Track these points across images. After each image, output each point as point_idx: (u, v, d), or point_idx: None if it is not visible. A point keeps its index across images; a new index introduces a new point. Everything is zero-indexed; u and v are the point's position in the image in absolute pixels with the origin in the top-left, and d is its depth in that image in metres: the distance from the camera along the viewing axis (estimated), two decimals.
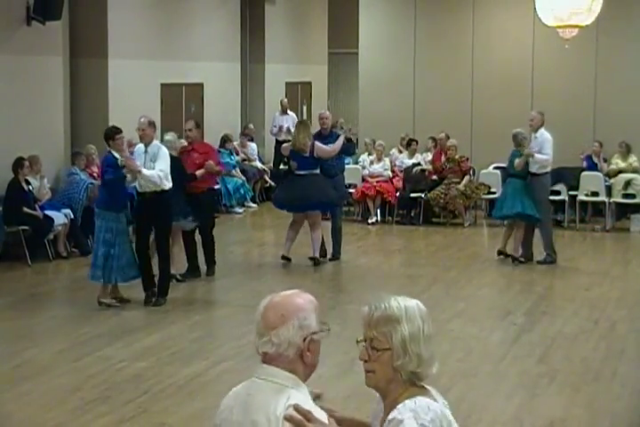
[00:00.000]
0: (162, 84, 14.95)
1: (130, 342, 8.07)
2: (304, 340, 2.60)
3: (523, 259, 11.34)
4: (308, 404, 2.54)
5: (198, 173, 10.31)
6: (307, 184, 10.95)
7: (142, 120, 9.21)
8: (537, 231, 11.46)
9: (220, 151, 15.84)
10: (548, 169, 11.40)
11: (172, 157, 9.50)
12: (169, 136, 10.59)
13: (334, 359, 7.62)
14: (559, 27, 12.52)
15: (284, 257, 11.26)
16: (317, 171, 11.10)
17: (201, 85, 16.13)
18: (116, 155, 9.08)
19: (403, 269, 11.48)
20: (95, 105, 13.65)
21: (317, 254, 11.26)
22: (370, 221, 14.67)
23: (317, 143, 11.07)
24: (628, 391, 6.85)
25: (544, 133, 11.38)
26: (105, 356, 7.62)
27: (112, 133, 9.24)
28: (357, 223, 14.78)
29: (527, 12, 14.65)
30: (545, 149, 11.25)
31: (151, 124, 9.23)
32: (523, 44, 15.65)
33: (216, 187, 11.07)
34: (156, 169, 9.03)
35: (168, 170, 9.11)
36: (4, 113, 11.94)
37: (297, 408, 2.45)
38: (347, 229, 14.31)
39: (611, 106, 15.19)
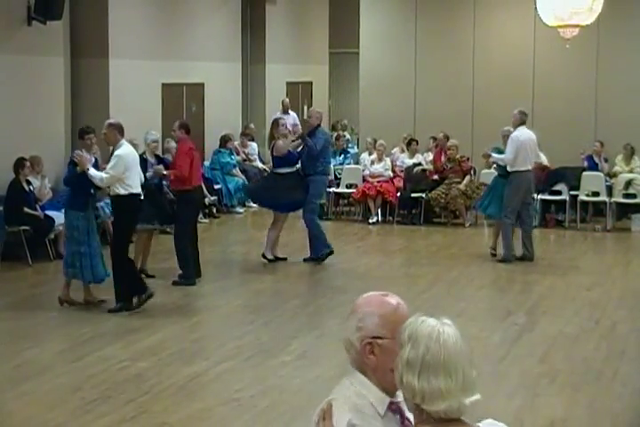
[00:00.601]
0: (163, 84, 14.95)
1: (130, 342, 8.07)
2: (361, 342, 2.50)
3: (494, 252, 11.63)
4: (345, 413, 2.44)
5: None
6: (281, 184, 11.21)
7: (105, 123, 9.21)
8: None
9: (220, 151, 15.87)
10: (523, 168, 11.31)
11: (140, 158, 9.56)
12: (149, 135, 10.84)
13: (335, 360, 7.62)
14: (560, 26, 12.51)
15: (276, 258, 11.35)
16: (292, 169, 11.27)
17: (202, 85, 16.12)
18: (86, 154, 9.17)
19: (403, 269, 11.47)
20: (96, 105, 13.65)
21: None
22: (370, 220, 14.67)
23: (278, 141, 11.29)
24: (629, 391, 6.85)
25: (514, 133, 11.44)
26: (105, 356, 7.62)
27: (81, 133, 9.36)
28: (358, 223, 14.78)
29: (528, 12, 14.65)
30: (507, 148, 11.36)
31: (111, 125, 9.04)
32: (523, 44, 15.65)
33: (187, 188, 10.18)
34: (103, 171, 8.96)
35: (118, 174, 8.80)
36: (5, 113, 11.94)
37: (328, 406, 2.38)
38: (347, 229, 14.33)
39: (612, 106, 15.18)
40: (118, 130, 9.00)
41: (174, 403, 6.50)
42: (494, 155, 11.62)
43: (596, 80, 15.37)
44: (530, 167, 11.45)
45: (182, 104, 15.72)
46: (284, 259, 11.44)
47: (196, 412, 6.35)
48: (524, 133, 11.42)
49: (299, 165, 11.51)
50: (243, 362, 7.44)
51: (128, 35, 14.01)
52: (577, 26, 12.39)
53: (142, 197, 9.17)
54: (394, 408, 2.51)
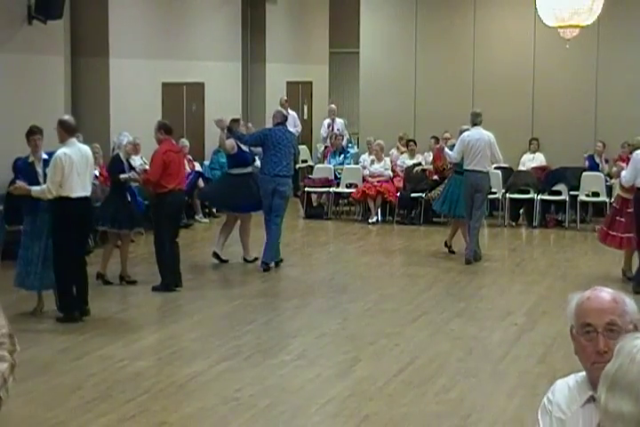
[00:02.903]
0: (163, 84, 14.95)
1: (130, 341, 8.08)
2: (570, 329, 2.57)
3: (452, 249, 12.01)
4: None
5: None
6: (233, 184, 11.34)
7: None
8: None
9: (219, 151, 15.85)
10: (470, 168, 11.40)
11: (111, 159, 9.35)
12: (122, 136, 10.52)
13: (334, 359, 7.63)
14: (560, 27, 12.52)
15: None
16: (245, 170, 11.37)
17: (202, 85, 16.13)
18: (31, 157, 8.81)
19: (403, 269, 11.48)
20: (96, 104, 13.66)
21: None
22: (370, 220, 14.67)
23: (226, 140, 11.40)
24: None
25: (465, 133, 11.59)
26: (106, 355, 7.63)
27: (26, 133, 8.91)
28: (358, 223, 14.79)
29: (528, 12, 14.65)
30: (455, 147, 11.60)
31: (59, 123, 8.60)
32: (524, 44, 15.66)
33: (162, 191, 9.75)
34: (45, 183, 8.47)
35: (56, 178, 8.32)
36: (5, 112, 11.93)
37: None
38: (347, 229, 14.34)
39: (612, 106, 15.19)
40: (64, 128, 8.57)
41: (174, 402, 6.51)
42: (446, 150, 11.84)
43: (596, 80, 15.38)
44: (479, 168, 11.41)
45: (182, 104, 15.72)
46: (227, 261, 11.36)
47: (196, 411, 6.36)
48: (474, 134, 11.45)
49: (257, 164, 11.51)
50: (242, 361, 7.44)
51: (128, 34, 14.02)
52: (577, 26, 12.40)
53: (88, 200, 8.64)
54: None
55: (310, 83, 20.17)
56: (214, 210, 15.21)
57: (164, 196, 9.81)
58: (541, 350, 7.94)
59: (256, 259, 11.32)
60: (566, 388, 2.61)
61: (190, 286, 10.14)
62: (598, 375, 2.24)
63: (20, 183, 8.73)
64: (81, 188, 8.52)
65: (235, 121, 11.67)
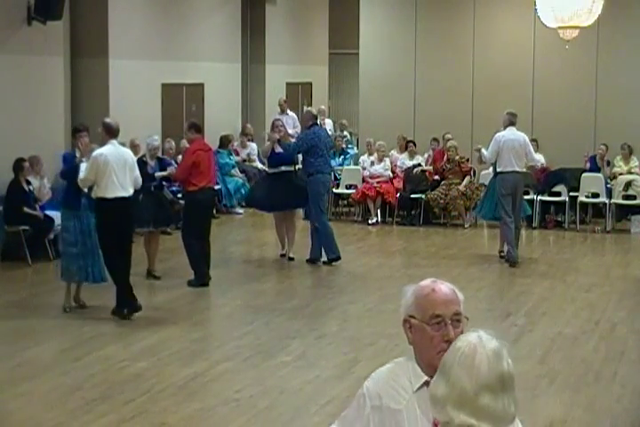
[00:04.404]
0: (162, 84, 14.96)
1: (130, 341, 8.08)
2: (404, 319, 2.65)
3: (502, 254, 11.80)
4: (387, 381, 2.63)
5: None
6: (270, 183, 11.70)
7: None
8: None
9: (219, 151, 15.86)
10: (506, 169, 11.33)
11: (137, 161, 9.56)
12: (152, 140, 10.90)
13: (334, 360, 7.63)
14: (560, 28, 12.52)
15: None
16: (278, 170, 11.60)
17: (202, 86, 16.13)
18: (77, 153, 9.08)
19: (403, 270, 11.48)
20: (96, 105, 13.66)
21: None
22: (370, 221, 14.67)
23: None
24: (629, 392, 6.85)
25: (499, 133, 11.55)
26: (105, 356, 7.63)
27: (72, 131, 9.30)
28: (358, 224, 14.79)
29: (528, 13, 14.65)
30: (489, 148, 11.52)
31: (103, 124, 8.90)
32: (523, 45, 15.66)
33: (190, 189, 10.11)
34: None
35: (90, 177, 8.63)
36: (5, 113, 11.94)
37: None
38: (347, 230, 14.34)
39: (611, 107, 15.19)
40: (106, 130, 8.79)
41: (174, 403, 6.51)
42: (483, 150, 11.71)
43: (596, 81, 15.38)
44: (516, 169, 11.37)
45: (182, 104, 15.72)
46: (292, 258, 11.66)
47: (196, 412, 6.36)
48: (508, 135, 11.42)
49: (299, 165, 11.67)
50: (242, 362, 7.45)
51: (128, 35, 14.02)
52: (577, 27, 12.40)
53: (127, 201, 8.78)
54: None
55: (310, 84, 20.18)
56: (214, 210, 15.19)
57: (195, 193, 10.10)
58: (541, 350, 7.94)
59: (292, 258, 11.59)
60: (393, 376, 2.67)
61: (190, 287, 10.14)
62: None
63: (90, 147, 8.91)
64: (119, 189, 8.70)
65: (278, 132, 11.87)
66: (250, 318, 8.95)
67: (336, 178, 15.56)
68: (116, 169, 8.67)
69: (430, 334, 2.61)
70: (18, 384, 6.84)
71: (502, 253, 11.74)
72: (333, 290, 10.28)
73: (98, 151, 8.71)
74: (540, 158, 11.90)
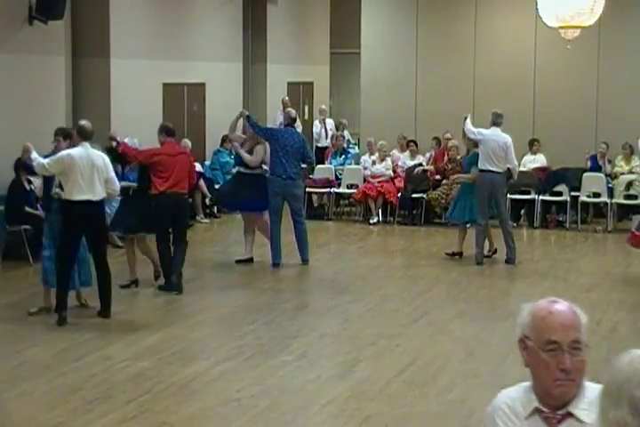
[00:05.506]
0: (164, 84, 14.96)
1: (131, 341, 8.08)
2: (519, 339, 2.49)
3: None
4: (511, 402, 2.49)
5: None
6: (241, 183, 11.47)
7: None
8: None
9: (219, 151, 15.86)
10: (484, 168, 11.37)
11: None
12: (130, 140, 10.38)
13: (335, 360, 7.63)
14: (561, 27, 12.51)
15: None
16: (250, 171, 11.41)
17: (203, 85, 16.13)
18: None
19: (404, 270, 11.47)
20: (97, 104, 13.66)
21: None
22: (371, 221, 14.67)
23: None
24: None
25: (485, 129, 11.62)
26: (106, 355, 7.62)
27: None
28: (359, 224, 14.78)
29: (529, 13, 14.65)
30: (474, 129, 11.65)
31: (77, 126, 8.89)
32: (525, 45, 15.65)
33: (153, 193, 9.82)
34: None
35: (51, 168, 8.55)
36: (6, 112, 11.94)
37: None
38: (348, 230, 14.34)
39: (613, 106, 15.18)
40: (77, 132, 8.74)
41: (175, 403, 6.50)
42: (469, 120, 11.63)
43: (598, 81, 15.37)
44: (492, 168, 11.31)
45: (183, 104, 15.72)
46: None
47: (197, 412, 6.35)
48: (490, 134, 11.40)
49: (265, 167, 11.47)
50: (243, 362, 7.44)
51: (129, 34, 14.02)
52: (578, 27, 12.39)
53: (94, 205, 8.53)
54: (545, 417, 2.45)
55: (311, 83, 20.17)
56: (215, 210, 15.22)
57: (156, 197, 9.87)
58: None
59: (251, 259, 11.45)
60: (509, 400, 2.55)
61: (191, 287, 10.14)
62: (559, 392, 2.21)
63: (28, 145, 8.81)
64: (84, 191, 8.50)
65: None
66: (251, 317, 8.95)
67: (337, 178, 15.57)
68: (82, 171, 8.45)
69: (545, 360, 2.41)
70: (18, 384, 6.84)
71: (489, 253, 11.80)
72: (334, 289, 10.28)
73: (66, 151, 8.58)
74: (515, 164, 11.79)
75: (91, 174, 8.53)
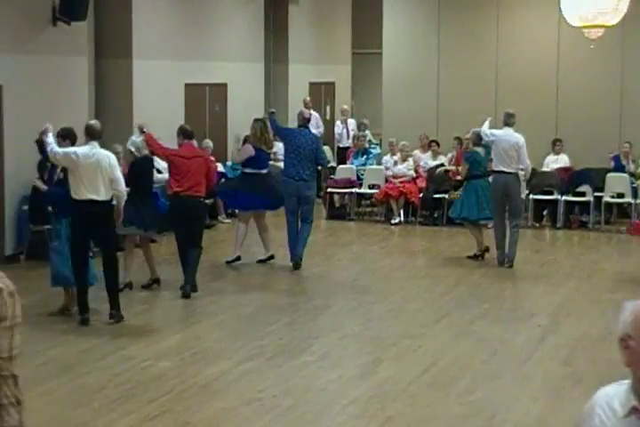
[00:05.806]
0: (186, 85, 14.99)
1: (154, 341, 8.10)
2: (620, 338, 2.45)
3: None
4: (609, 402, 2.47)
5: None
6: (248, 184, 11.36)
7: None
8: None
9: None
10: (496, 168, 11.39)
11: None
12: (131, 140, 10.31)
13: (357, 360, 7.62)
14: (585, 27, 12.43)
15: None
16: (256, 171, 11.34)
17: (225, 85, 16.16)
18: None
19: (426, 270, 11.45)
20: (120, 105, 13.72)
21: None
22: (393, 221, 14.64)
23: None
24: None
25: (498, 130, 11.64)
26: (129, 355, 7.65)
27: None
28: (380, 224, 14.76)
29: (552, 12, 14.57)
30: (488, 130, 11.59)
31: (85, 126, 8.86)
32: (548, 44, 15.57)
33: (169, 194, 9.98)
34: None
35: (62, 158, 8.53)
36: (29, 113, 12.00)
37: None
38: (370, 230, 14.32)
39: (636, 106, 15.07)
40: (85, 131, 8.72)
41: (197, 402, 6.52)
42: (487, 122, 11.60)
43: (621, 80, 15.27)
44: (504, 169, 11.26)
45: (205, 104, 15.76)
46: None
47: (219, 411, 6.37)
48: (502, 134, 11.36)
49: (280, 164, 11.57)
50: (265, 362, 7.45)
51: (151, 35, 14.07)
52: (602, 26, 12.30)
53: (99, 204, 8.48)
54: None
55: (333, 83, 20.16)
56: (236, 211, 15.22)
57: (171, 198, 10.02)
58: (565, 351, 7.89)
59: (271, 257, 11.48)
60: (608, 397, 2.56)
61: (212, 287, 10.16)
62: None
63: (48, 126, 8.77)
64: (88, 191, 8.48)
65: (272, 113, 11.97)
66: (273, 317, 8.95)
67: (359, 178, 15.55)
68: (85, 170, 8.43)
69: None
70: (42, 383, 6.88)
71: (479, 252, 11.84)
72: (356, 290, 10.27)
73: (73, 148, 8.62)
74: (527, 164, 11.69)
75: (94, 174, 8.49)
